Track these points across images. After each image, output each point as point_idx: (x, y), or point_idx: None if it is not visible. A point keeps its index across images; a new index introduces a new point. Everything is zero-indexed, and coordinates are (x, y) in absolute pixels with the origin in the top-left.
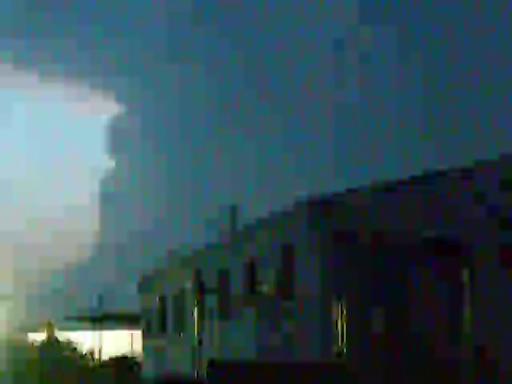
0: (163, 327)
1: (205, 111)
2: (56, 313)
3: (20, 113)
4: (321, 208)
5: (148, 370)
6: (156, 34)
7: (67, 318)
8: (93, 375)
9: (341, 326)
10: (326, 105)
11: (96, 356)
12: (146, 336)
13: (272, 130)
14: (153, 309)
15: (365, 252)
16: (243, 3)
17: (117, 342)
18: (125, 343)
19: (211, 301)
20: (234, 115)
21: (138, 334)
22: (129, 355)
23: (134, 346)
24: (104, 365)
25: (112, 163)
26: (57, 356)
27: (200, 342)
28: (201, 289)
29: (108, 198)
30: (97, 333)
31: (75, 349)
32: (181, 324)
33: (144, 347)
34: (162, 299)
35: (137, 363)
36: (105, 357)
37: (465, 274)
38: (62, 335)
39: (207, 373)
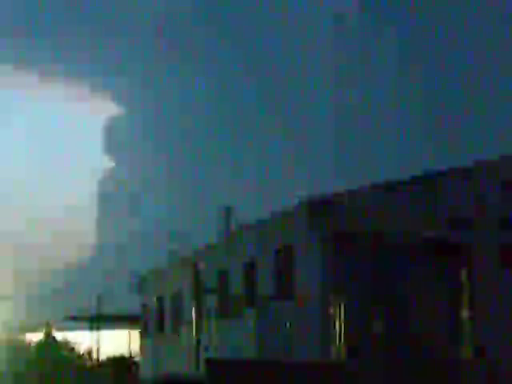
0: (161, 327)
1: (205, 111)
2: (56, 313)
3: (20, 113)
4: (321, 208)
5: (146, 370)
6: (156, 34)
7: (67, 318)
8: (91, 375)
9: (340, 326)
10: (326, 105)
11: (94, 356)
12: (144, 336)
13: (272, 130)
14: (151, 309)
15: (365, 252)
16: (243, 3)
17: (115, 342)
18: (123, 343)
19: (211, 301)
20: (234, 115)
21: (136, 333)
22: (127, 355)
23: (132, 346)
24: (102, 365)
25: (112, 163)
26: (55, 356)
27: (198, 342)
28: (200, 289)
29: (108, 198)
30: (95, 333)
31: (73, 349)
32: (179, 324)
33: (142, 347)
34: (161, 299)
35: (135, 363)
36: (103, 357)
37: (465, 274)
38: (60, 335)
39: (206, 372)
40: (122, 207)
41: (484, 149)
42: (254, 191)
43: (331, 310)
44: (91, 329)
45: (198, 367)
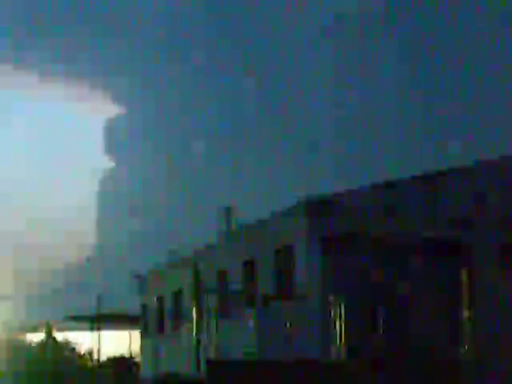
0: (161, 327)
1: (205, 111)
2: (56, 313)
3: (20, 113)
4: (320, 208)
5: (146, 370)
6: (156, 34)
7: (67, 318)
8: (91, 375)
9: (340, 326)
10: (326, 105)
11: (95, 356)
12: (144, 336)
13: (272, 130)
14: (152, 309)
15: (365, 252)
16: (243, 3)
17: (115, 342)
18: (123, 343)
19: (211, 301)
20: (234, 115)
21: (136, 334)
22: (127, 355)
23: (132, 346)
24: (103, 365)
25: (112, 163)
26: (56, 356)
27: (198, 342)
28: (200, 289)
29: (108, 198)
30: (95, 333)
31: (74, 349)
32: (179, 324)
33: (142, 347)
34: (161, 299)
35: (135, 363)
36: (103, 357)
37: (465, 274)
38: (61, 335)
39: (206, 372)
40: (121, 207)
41: (484, 149)
42: (254, 191)
43: (331, 310)
44: (92, 329)
45: (198, 367)
